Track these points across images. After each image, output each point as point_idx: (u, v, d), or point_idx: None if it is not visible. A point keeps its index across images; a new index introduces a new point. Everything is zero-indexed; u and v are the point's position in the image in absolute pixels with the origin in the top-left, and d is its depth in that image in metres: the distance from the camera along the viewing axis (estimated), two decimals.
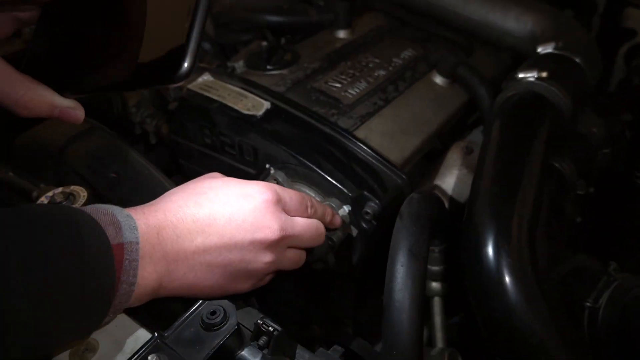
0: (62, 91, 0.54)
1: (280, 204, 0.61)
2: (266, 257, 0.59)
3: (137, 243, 0.50)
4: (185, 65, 0.49)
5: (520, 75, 0.78)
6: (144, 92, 1.14)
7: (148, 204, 0.57)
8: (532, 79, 0.75)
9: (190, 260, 0.55)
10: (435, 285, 0.78)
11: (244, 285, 0.61)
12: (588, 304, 0.69)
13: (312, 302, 0.85)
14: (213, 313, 0.53)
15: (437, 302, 0.78)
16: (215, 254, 0.56)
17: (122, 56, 0.53)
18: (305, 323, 0.87)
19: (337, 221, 0.71)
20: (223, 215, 0.57)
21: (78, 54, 0.56)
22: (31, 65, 0.57)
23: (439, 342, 0.76)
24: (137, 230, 0.51)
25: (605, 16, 1.19)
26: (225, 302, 0.54)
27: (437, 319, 0.78)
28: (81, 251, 0.46)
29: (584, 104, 0.85)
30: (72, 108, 0.56)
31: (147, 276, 0.51)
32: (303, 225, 0.63)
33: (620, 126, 1.07)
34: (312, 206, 0.66)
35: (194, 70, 0.53)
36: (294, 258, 0.64)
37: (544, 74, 0.75)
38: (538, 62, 0.80)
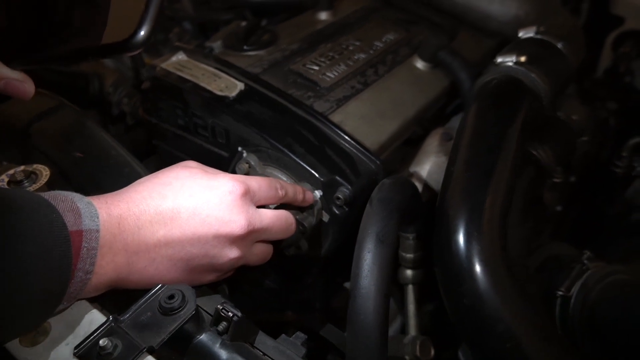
0: (9, 62, 0.52)
1: (248, 196, 0.59)
2: (232, 253, 0.57)
3: (98, 231, 0.49)
4: (142, 33, 0.47)
5: (499, 60, 0.76)
6: (123, 71, 1.12)
7: (112, 193, 0.55)
8: (510, 64, 0.74)
9: (151, 253, 0.53)
10: (409, 272, 0.76)
11: (208, 278, 0.59)
12: (560, 293, 0.68)
13: (285, 287, 0.84)
14: (171, 297, 0.51)
15: (410, 290, 0.77)
16: (178, 248, 0.54)
17: (88, 33, 0.51)
18: (278, 308, 0.86)
19: (309, 197, 0.70)
20: (187, 208, 0.55)
21: (40, 28, 0.54)
22: None
23: (412, 330, 0.75)
24: (98, 218, 0.49)
25: (593, 3, 1.17)
26: (184, 287, 0.52)
27: (411, 307, 0.77)
28: (37, 237, 0.44)
29: (563, 90, 0.84)
30: (19, 81, 0.53)
31: (104, 265, 0.50)
32: (272, 217, 0.61)
33: (605, 114, 1.05)
34: (281, 187, 0.65)
35: (151, 39, 0.51)
36: (261, 254, 0.63)
37: (523, 59, 0.74)
38: (517, 47, 0.78)
